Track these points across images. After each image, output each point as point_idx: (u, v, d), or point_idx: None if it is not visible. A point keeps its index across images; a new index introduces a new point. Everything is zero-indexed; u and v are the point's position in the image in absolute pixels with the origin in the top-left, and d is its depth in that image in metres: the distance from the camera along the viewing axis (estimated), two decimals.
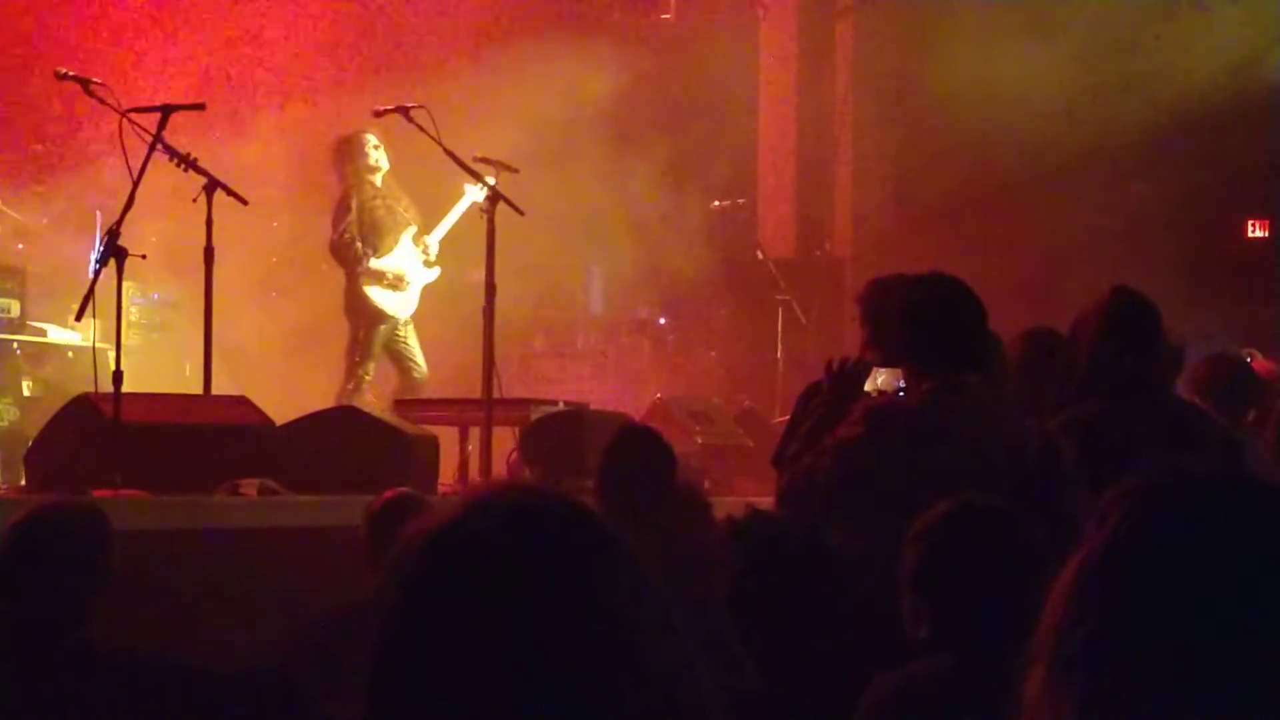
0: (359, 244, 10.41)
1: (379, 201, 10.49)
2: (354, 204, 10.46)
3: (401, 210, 10.57)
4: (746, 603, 3.79)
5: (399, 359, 10.64)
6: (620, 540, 1.56)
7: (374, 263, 10.44)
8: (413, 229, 10.55)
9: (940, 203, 13.16)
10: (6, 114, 12.51)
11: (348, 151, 10.50)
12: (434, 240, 10.55)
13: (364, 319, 10.51)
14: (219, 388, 8.25)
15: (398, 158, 10.50)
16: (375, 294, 10.44)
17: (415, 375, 10.62)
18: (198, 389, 8.37)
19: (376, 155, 10.47)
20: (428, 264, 10.59)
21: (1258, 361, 9.11)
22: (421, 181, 10.40)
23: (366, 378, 10.50)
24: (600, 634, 1.49)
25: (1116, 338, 5.25)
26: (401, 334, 10.61)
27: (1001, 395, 5.34)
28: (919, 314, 5.00)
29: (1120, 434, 5.04)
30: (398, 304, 10.52)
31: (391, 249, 10.48)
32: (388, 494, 5.63)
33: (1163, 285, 6.72)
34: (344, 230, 10.43)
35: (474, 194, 9.97)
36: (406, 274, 10.50)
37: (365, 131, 10.38)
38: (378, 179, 10.52)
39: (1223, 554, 1.61)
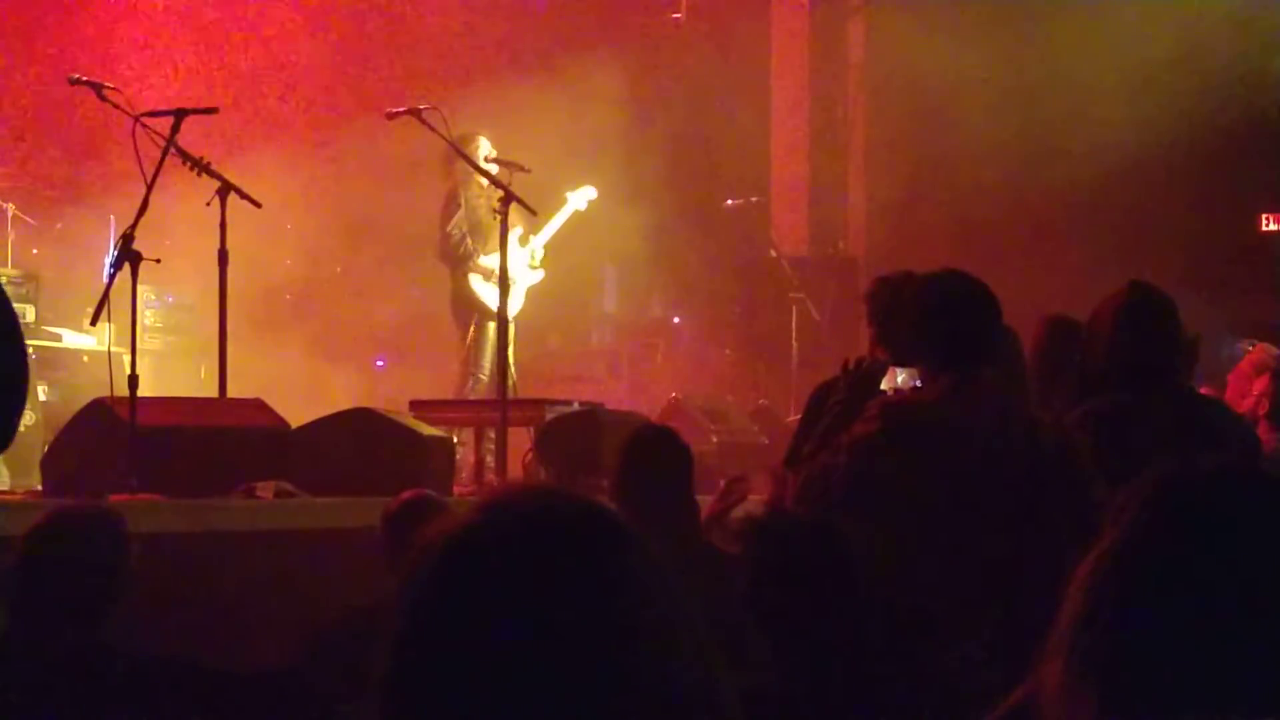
0: (468, 240, 10.45)
1: (483, 201, 10.46)
2: (461, 200, 10.49)
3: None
4: (763, 600, 3.79)
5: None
6: (639, 540, 1.56)
7: (483, 259, 10.44)
8: (518, 230, 10.43)
9: (953, 199, 13.15)
10: (19, 119, 12.53)
11: (462, 149, 10.38)
12: (539, 243, 10.59)
13: (473, 316, 10.53)
14: (234, 390, 8.25)
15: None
16: (482, 290, 10.44)
17: (484, 379, 10.51)
18: (213, 392, 8.37)
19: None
20: (533, 266, 10.63)
21: (1258, 350, 9.11)
22: (523, 189, 10.13)
23: (484, 377, 10.47)
24: (619, 635, 1.49)
25: (1132, 331, 5.24)
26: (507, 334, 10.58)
27: (1017, 389, 5.34)
28: (932, 310, 4.99)
29: (1136, 428, 5.04)
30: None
31: (497, 248, 10.44)
32: (405, 495, 5.62)
33: (1178, 279, 6.72)
34: (454, 227, 10.48)
35: (576, 201, 10.38)
36: (512, 273, 10.46)
37: (481, 134, 10.31)
38: (485, 180, 10.50)
39: (1238, 548, 1.61)
